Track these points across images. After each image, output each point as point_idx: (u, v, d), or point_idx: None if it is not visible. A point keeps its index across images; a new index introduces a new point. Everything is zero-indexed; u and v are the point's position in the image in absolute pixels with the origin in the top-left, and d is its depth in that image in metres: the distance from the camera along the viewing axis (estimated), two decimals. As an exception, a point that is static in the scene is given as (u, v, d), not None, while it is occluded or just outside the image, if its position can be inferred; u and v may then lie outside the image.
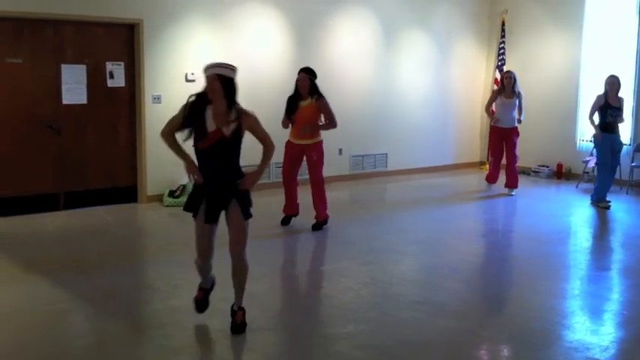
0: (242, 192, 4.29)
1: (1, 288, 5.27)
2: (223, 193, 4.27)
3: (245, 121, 4.24)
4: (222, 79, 4.16)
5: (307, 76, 7.07)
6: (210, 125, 4.18)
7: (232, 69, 4.24)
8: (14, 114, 7.63)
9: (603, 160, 8.83)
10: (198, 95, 4.24)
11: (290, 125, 7.20)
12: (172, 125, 4.27)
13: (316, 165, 7.24)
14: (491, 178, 9.85)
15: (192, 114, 4.19)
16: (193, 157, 4.31)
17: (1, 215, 7.53)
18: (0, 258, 6.09)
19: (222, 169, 4.25)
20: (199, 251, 4.39)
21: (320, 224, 7.31)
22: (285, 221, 7.45)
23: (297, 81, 7.12)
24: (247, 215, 4.31)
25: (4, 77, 7.52)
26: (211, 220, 4.29)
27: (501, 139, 9.58)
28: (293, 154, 7.23)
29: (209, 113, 4.19)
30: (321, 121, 7.19)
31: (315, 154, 7.20)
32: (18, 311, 4.80)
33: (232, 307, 4.45)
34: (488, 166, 10.19)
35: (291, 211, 7.47)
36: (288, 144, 7.23)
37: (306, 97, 7.08)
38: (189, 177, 4.32)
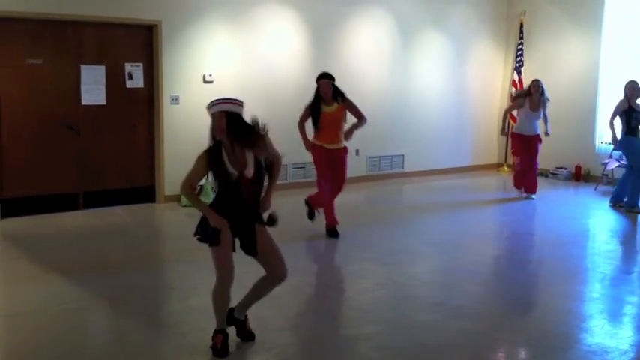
0: (260, 215, 4.18)
1: (21, 287, 5.34)
2: (248, 222, 4.12)
3: (260, 152, 4.03)
4: (228, 115, 3.94)
5: (330, 81, 7.01)
6: (231, 169, 3.97)
7: (239, 104, 4.03)
8: (34, 115, 7.71)
9: (636, 164, 8.62)
10: (214, 141, 4.03)
11: (308, 129, 7.17)
12: (193, 181, 4.07)
13: (345, 169, 7.23)
14: (520, 184, 9.65)
15: (213, 163, 3.98)
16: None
17: (20, 215, 7.62)
18: (20, 257, 6.17)
19: (247, 202, 4.07)
20: (227, 272, 4.05)
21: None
22: (335, 233, 7.20)
23: (319, 87, 7.01)
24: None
25: (24, 78, 7.61)
26: (233, 248, 4.13)
27: (525, 145, 9.40)
28: (327, 159, 7.12)
29: (225, 156, 3.98)
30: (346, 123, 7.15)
31: (346, 157, 7.22)
32: (37, 310, 4.85)
33: (244, 316, 4.38)
34: (514, 171, 9.94)
35: (335, 222, 7.24)
36: (321, 149, 7.11)
37: (331, 101, 7.02)
38: (215, 227, 3.99)
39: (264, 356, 4.20)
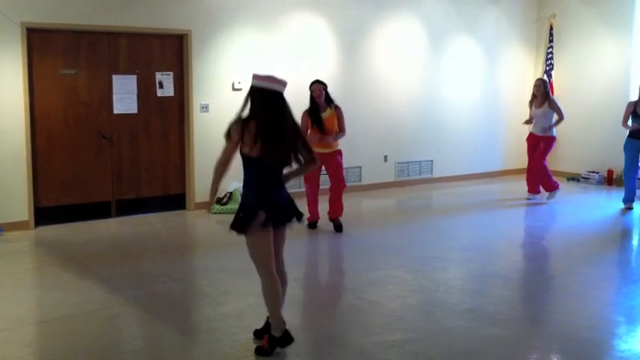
0: (296, 210, 4.22)
1: (56, 294, 5.43)
2: (283, 205, 4.14)
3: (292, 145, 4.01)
4: (252, 90, 3.92)
5: (322, 86, 7.30)
6: (244, 145, 3.94)
7: (273, 81, 3.95)
8: (68, 124, 7.84)
9: (628, 166, 8.96)
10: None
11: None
12: (228, 156, 4.01)
13: (340, 169, 7.53)
14: (534, 188, 9.58)
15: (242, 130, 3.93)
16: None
17: (55, 222, 7.75)
18: (55, 265, 6.28)
19: (272, 181, 4.11)
20: (270, 263, 4.09)
21: (340, 223, 7.55)
22: (313, 225, 7.65)
23: (312, 92, 7.29)
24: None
25: (58, 88, 7.75)
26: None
27: (535, 145, 9.34)
28: (321, 164, 7.26)
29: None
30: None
31: (340, 158, 7.50)
32: (72, 316, 4.93)
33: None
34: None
35: (316, 217, 7.67)
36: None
37: (325, 107, 7.32)
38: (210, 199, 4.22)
39: (296, 363, 4.22)
